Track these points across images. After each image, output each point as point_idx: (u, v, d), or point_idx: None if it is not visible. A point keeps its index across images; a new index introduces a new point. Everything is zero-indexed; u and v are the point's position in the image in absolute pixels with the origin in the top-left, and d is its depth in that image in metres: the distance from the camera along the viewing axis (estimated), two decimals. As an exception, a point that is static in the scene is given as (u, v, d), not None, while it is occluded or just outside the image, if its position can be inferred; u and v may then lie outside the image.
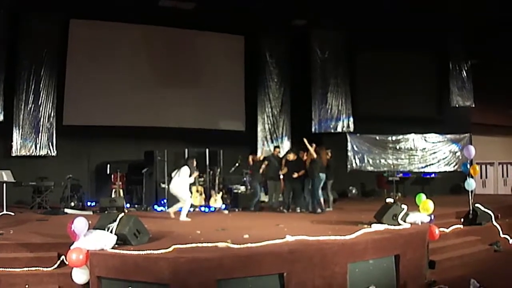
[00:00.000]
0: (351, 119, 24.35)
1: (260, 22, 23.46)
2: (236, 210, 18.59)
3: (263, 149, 22.96)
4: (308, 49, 24.52)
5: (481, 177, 28.96)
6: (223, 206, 18.21)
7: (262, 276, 9.19)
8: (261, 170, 18.58)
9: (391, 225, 12.24)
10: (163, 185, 19.05)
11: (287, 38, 25.08)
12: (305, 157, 18.16)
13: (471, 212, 15.29)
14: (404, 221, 12.44)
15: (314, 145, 18.02)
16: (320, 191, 17.38)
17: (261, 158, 19.40)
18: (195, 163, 16.89)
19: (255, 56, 25.01)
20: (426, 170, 25.29)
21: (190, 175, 16.09)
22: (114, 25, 22.59)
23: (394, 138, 25.40)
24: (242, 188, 19.46)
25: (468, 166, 16.09)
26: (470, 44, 24.46)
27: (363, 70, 25.06)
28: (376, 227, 12.14)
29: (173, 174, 16.44)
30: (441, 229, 13.38)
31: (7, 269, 10.00)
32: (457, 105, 24.97)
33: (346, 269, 9.87)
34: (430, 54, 25.33)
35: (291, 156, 18.18)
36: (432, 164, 25.48)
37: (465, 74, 24.99)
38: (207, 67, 24.10)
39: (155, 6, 21.42)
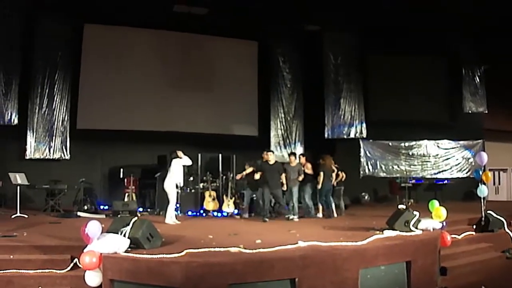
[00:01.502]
0: (364, 124, 24.28)
1: (273, 27, 23.54)
2: (247, 215, 18.47)
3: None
4: (321, 54, 24.46)
5: (494, 184, 28.77)
6: (236, 211, 18.20)
7: (273, 281, 9.17)
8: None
9: (403, 231, 12.19)
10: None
11: (300, 43, 25.07)
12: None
13: (483, 218, 15.24)
14: (416, 228, 12.38)
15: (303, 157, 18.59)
16: (311, 197, 17.86)
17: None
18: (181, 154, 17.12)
19: (268, 61, 25.03)
20: (439, 176, 25.20)
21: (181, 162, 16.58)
22: (128, 30, 22.72)
23: (407, 144, 25.36)
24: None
25: (481, 172, 16.07)
26: (483, 49, 24.39)
27: (376, 76, 25.03)
28: (388, 233, 12.12)
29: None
30: (453, 235, 13.37)
31: (20, 271, 10.08)
32: (469, 111, 24.89)
33: (357, 275, 9.85)
34: (442, 60, 25.29)
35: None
36: (445, 170, 25.41)
37: (478, 80, 24.90)
38: (220, 72, 24.13)
39: (169, 11, 21.53)
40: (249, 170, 18.03)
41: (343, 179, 19.18)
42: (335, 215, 17.48)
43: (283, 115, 24.96)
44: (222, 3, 20.94)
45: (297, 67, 25.19)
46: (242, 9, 21.27)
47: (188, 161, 16.60)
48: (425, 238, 11.66)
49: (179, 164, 16.46)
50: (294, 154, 18.43)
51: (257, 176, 17.50)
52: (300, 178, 17.45)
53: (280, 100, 24.93)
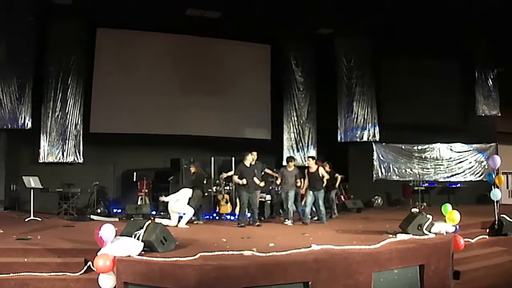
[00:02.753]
0: (377, 127, 24.27)
1: (285, 31, 23.55)
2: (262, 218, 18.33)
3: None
4: (334, 58, 24.51)
5: (507, 187, 28.64)
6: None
7: (287, 285, 9.16)
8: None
9: (416, 235, 12.14)
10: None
11: (312, 46, 25.13)
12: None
13: (496, 222, 15.17)
14: (429, 231, 12.33)
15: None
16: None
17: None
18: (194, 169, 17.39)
19: (281, 64, 25.09)
20: (452, 179, 25.14)
21: (191, 197, 16.46)
22: (141, 34, 22.79)
23: (420, 147, 25.31)
24: (268, 197, 19.34)
25: (494, 176, 16.01)
26: (496, 52, 24.33)
27: (389, 79, 24.96)
28: (401, 236, 12.08)
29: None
30: (466, 239, 13.32)
31: (34, 274, 10.10)
32: (483, 114, 24.80)
33: (370, 279, 9.83)
34: (455, 62, 25.18)
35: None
36: (458, 173, 25.35)
37: (491, 83, 24.82)
38: (233, 76, 24.17)
39: (182, 15, 21.57)
40: (230, 173, 17.98)
41: (333, 182, 19.06)
42: (307, 221, 16.92)
43: (295, 118, 25.00)
44: (235, 7, 20.93)
45: (309, 70, 25.24)
46: (254, 13, 21.27)
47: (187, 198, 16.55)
48: (438, 242, 11.61)
49: (187, 196, 16.44)
50: (292, 158, 18.11)
51: (278, 181, 17.62)
52: (299, 183, 17.26)
53: (293, 103, 24.98)
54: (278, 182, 17.71)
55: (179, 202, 16.24)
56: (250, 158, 16.90)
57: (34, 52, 20.41)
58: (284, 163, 19.42)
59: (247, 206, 16.48)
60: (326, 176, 17.07)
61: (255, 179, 16.52)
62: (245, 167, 16.62)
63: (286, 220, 16.99)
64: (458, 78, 25.66)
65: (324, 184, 17.03)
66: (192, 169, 17.89)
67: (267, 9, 20.96)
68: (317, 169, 16.97)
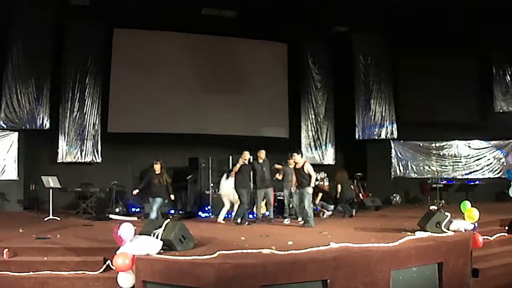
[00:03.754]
0: (395, 125, 24.20)
1: (302, 29, 23.50)
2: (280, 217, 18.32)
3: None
4: (351, 55, 24.43)
5: (526, 184, 28.50)
6: (267, 212, 18.13)
7: (305, 283, 9.17)
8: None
9: (434, 232, 12.09)
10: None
11: (329, 44, 25.05)
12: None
13: (515, 219, 15.11)
14: (448, 229, 12.28)
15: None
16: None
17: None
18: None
19: (298, 63, 25.03)
20: (470, 177, 24.95)
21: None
22: (157, 34, 22.85)
23: (437, 144, 25.18)
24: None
25: (512, 172, 15.93)
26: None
27: (406, 76, 24.81)
28: (420, 234, 12.05)
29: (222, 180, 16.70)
30: (485, 237, 13.24)
31: (54, 272, 10.23)
32: (501, 110, 24.52)
33: (389, 276, 9.81)
34: (473, 59, 24.96)
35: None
36: (476, 170, 25.15)
37: (509, 78, 24.48)
38: (250, 74, 24.17)
39: (198, 15, 21.59)
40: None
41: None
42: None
43: (313, 117, 24.95)
44: (251, 5, 20.95)
45: (327, 68, 25.18)
46: (270, 11, 21.27)
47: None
48: (457, 240, 11.55)
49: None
50: (293, 154, 17.01)
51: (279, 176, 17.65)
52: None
53: (310, 101, 24.93)
54: (280, 177, 17.70)
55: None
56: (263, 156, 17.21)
57: (51, 53, 20.52)
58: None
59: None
60: (313, 175, 16.19)
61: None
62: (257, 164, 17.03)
63: (285, 219, 17.10)
64: (475, 74, 25.41)
65: (311, 182, 16.16)
66: None
67: (283, 7, 20.95)
68: (303, 165, 16.07)
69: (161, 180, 15.92)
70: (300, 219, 16.60)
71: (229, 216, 17.25)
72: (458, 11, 20.98)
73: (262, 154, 17.46)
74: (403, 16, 21.67)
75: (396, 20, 22.14)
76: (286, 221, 16.92)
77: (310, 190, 15.82)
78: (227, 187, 16.92)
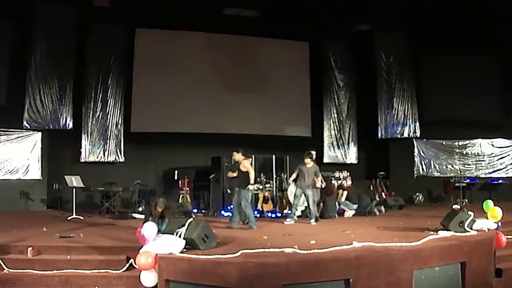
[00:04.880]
0: (417, 124, 24.08)
1: (324, 28, 23.43)
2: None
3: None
4: (373, 54, 24.31)
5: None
6: (290, 212, 18.09)
7: (328, 282, 9.12)
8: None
9: (457, 231, 12.02)
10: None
11: (351, 43, 25.02)
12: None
13: (540, 219, 14.96)
14: (471, 228, 12.20)
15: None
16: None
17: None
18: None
19: (320, 61, 25.01)
20: (493, 175, 24.73)
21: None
22: (179, 33, 22.94)
23: (460, 143, 24.98)
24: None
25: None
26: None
27: (428, 74, 24.62)
28: (443, 233, 11.98)
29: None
30: (508, 236, 13.07)
31: (77, 271, 10.30)
32: (524, 109, 24.46)
33: (411, 276, 9.74)
34: (495, 56, 24.76)
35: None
36: (500, 169, 24.94)
37: (532, 76, 24.45)
38: (272, 74, 24.15)
39: (220, 14, 21.61)
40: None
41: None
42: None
43: (335, 115, 24.93)
44: (273, 4, 20.92)
45: (349, 66, 25.19)
46: (292, 10, 21.23)
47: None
48: (480, 239, 11.46)
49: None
50: (311, 153, 17.15)
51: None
52: (317, 183, 16.79)
53: (333, 100, 24.91)
54: (294, 176, 17.06)
55: None
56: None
57: (74, 53, 20.65)
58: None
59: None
60: (319, 177, 16.58)
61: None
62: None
63: (288, 219, 16.47)
64: (498, 72, 25.24)
65: (318, 183, 16.58)
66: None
67: (305, 6, 20.91)
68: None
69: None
70: (313, 220, 16.32)
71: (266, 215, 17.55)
72: (480, 10, 20.85)
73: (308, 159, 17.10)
74: (425, 14, 21.56)
75: (418, 18, 22.02)
76: (288, 221, 16.36)
77: (310, 190, 16.35)
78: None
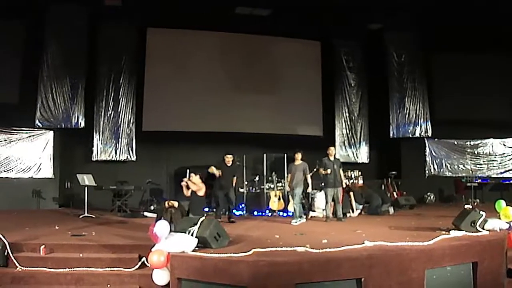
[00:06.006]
0: (429, 123, 24.00)
1: (335, 27, 23.42)
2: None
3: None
4: (384, 53, 24.30)
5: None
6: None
7: (340, 281, 9.11)
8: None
9: (469, 231, 11.97)
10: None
11: (363, 42, 25.01)
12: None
13: (552, 219, 14.91)
14: (483, 228, 12.15)
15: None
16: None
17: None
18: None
19: (331, 60, 24.94)
20: (505, 175, 24.62)
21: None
22: (191, 33, 22.95)
23: (472, 143, 24.89)
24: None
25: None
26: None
27: (440, 74, 24.60)
28: (454, 233, 11.93)
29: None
30: (520, 236, 13.11)
31: (90, 269, 10.37)
32: (536, 108, 24.37)
33: (423, 275, 9.71)
34: (508, 56, 24.70)
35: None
36: (511, 169, 24.93)
37: (544, 77, 24.36)
38: (283, 73, 24.12)
39: (232, 13, 21.64)
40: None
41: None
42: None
43: (347, 115, 24.86)
44: (284, 4, 20.92)
45: (360, 66, 25.14)
46: (304, 10, 21.23)
47: None
48: (492, 239, 11.37)
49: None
50: (299, 150, 17.43)
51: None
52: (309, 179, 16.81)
53: (344, 99, 24.86)
54: (289, 178, 17.18)
55: None
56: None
57: (86, 53, 20.76)
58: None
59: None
60: (308, 174, 16.64)
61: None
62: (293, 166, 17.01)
63: (294, 220, 16.28)
64: (510, 72, 25.19)
65: (308, 180, 16.65)
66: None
67: (316, 6, 20.90)
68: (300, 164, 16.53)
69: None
70: (294, 220, 16.12)
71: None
72: (492, 9, 20.79)
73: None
74: (436, 13, 21.51)
75: (430, 17, 21.99)
76: (295, 221, 16.10)
77: (298, 189, 16.61)
78: None
